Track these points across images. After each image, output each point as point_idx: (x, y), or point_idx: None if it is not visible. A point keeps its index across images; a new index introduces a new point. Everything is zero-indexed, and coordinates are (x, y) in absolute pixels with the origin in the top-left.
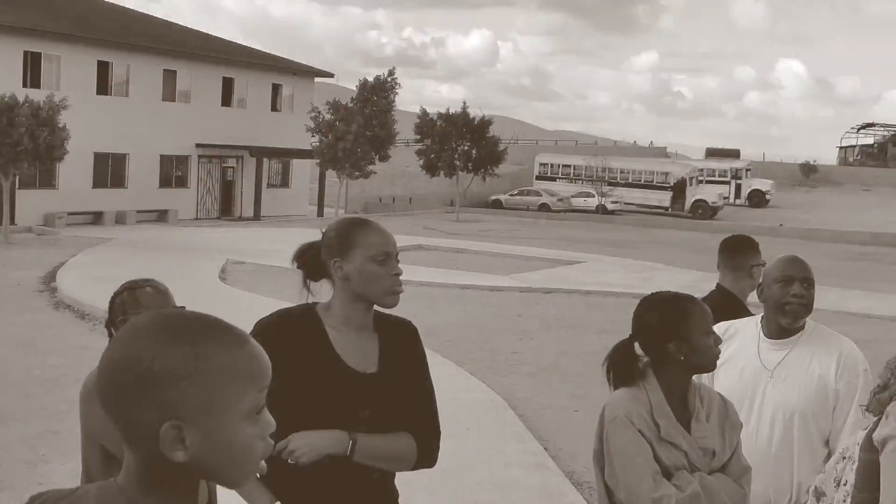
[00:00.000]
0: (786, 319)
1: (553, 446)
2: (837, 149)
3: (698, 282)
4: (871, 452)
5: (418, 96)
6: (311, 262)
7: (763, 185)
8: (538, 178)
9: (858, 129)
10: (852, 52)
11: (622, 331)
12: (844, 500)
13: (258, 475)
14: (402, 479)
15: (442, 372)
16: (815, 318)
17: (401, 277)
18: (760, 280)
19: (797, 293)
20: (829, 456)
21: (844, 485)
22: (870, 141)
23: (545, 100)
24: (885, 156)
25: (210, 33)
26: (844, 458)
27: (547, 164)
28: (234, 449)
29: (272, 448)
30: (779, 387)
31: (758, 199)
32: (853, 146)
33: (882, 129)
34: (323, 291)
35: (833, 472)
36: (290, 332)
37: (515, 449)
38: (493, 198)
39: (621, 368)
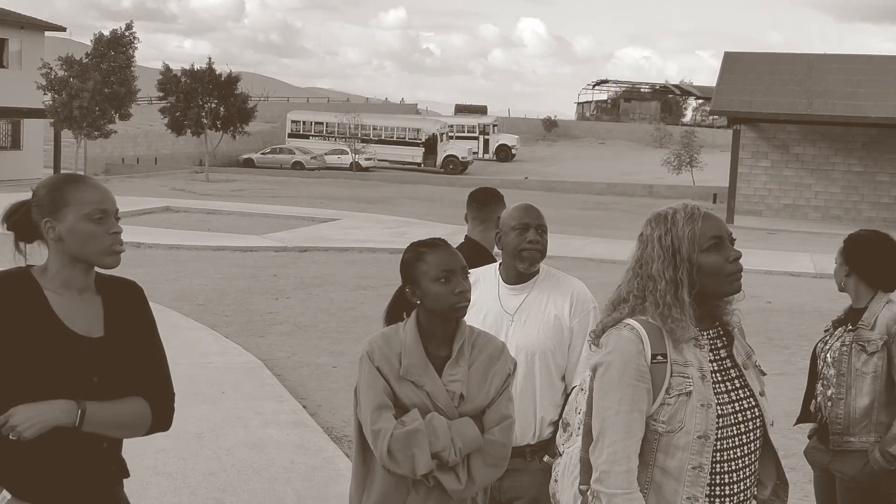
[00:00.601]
0: (523, 265)
1: (312, 403)
2: (575, 104)
3: (451, 234)
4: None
5: (160, 52)
6: (21, 222)
7: (509, 140)
8: (291, 135)
9: (594, 86)
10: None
11: (378, 286)
12: (579, 426)
13: None
14: (156, 447)
15: (194, 336)
16: (559, 265)
17: (142, 240)
18: (498, 229)
19: (532, 239)
20: (566, 390)
21: (579, 413)
22: (604, 97)
23: (295, 56)
24: (617, 111)
25: None
26: (582, 389)
27: (299, 121)
28: None
29: None
30: (520, 329)
31: (504, 154)
32: (589, 102)
33: (615, 85)
34: (42, 254)
35: (574, 403)
36: (2, 296)
37: (273, 408)
38: (245, 157)
39: (387, 310)
